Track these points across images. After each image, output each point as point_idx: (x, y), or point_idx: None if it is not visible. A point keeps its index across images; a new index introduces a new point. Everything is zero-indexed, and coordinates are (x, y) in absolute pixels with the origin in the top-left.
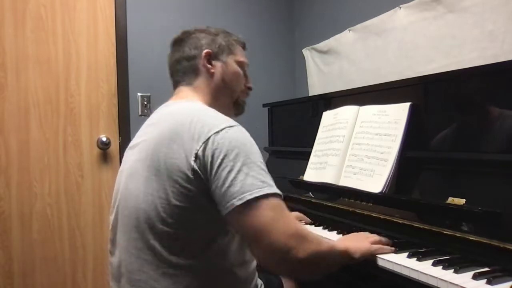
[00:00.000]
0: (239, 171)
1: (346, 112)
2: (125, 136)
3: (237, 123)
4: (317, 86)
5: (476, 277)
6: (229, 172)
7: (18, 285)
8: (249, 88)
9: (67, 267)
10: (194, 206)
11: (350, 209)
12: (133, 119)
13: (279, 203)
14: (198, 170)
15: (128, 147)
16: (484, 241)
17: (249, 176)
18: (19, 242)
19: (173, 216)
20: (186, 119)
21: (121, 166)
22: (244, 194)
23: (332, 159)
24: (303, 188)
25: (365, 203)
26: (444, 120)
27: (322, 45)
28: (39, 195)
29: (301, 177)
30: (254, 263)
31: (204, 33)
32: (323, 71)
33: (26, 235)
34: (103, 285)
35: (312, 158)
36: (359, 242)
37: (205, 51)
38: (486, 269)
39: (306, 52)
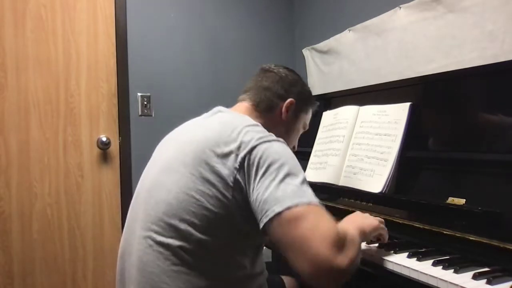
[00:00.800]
0: (282, 180)
1: (346, 112)
2: (125, 136)
3: (284, 140)
4: (317, 86)
5: (476, 277)
6: (272, 180)
7: (18, 285)
8: (293, 149)
9: (67, 267)
10: (225, 214)
11: (350, 209)
12: (133, 119)
13: (320, 210)
14: (240, 180)
15: (169, 137)
16: (484, 241)
17: (291, 185)
18: (19, 242)
19: (201, 219)
20: (235, 127)
21: (153, 157)
22: (285, 200)
23: (332, 159)
24: None
25: (365, 203)
26: (444, 120)
27: (322, 45)
28: (39, 195)
29: None
30: (265, 274)
31: (299, 83)
32: (323, 71)
33: (26, 235)
34: (103, 285)
35: (312, 158)
36: (367, 218)
37: (291, 99)
38: (486, 269)
39: (306, 52)
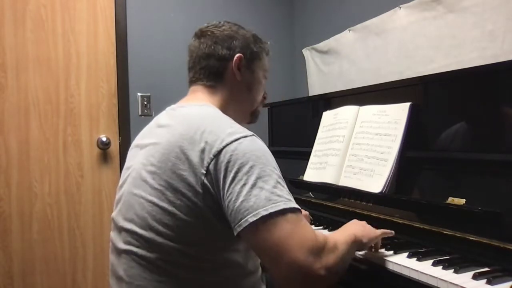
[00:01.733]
0: (253, 185)
1: (346, 112)
2: (125, 136)
3: (252, 133)
4: (317, 86)
5: (476, 277)
6: (243, 186)
7: (18, 285)
8: (265, 98)
9: (67, 267)
10: (200, 222)
11: (350, 209)
12: (133, 119)
13: (296, 217)
14: (208, 185)
15: (135, 144)
16: (484, 241)
17: (264, 190)
18: (19, 242)
19: (177, 231)
20: (198, 128)
21: (127, 163)
22: (259, 210)
23: (332, 159)
24: (303, 188)
25: (365, 203)
26: (444, 120)
27: (322, 45)
28: (39, 195)
29: (301, 177)
30: (259, 272)
31: (237, 33)
32: (323, 71)
33: (26, 235)
34: (103, 285)
35: (312, 158)
36: (364, 226)
37: (238, 55)
38: (486, 269)
39: (306, 52)
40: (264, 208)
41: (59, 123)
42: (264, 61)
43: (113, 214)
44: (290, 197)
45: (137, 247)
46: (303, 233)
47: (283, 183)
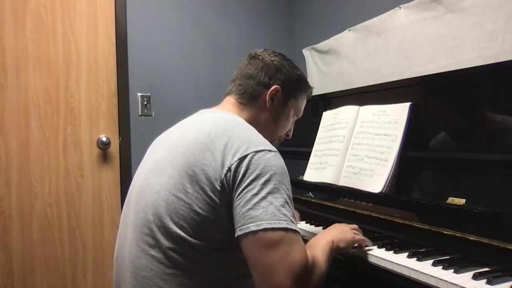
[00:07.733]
0: (264, 198)
1: (346, 112)
2: (125, 136)
3: (276, 150)
4: (317, 86)
5: (476, 277)
6: (255, 195)
7: (18, 285)
8: (287, 136)
9: (67, 267)
10: (214, 218)
11: (350, 209)
12: (133, 119)
13: (294, 237)
14: (226, 184)
15: (157, 140)
16: (484, 241)
17: (272, 205)
18: (19, 242)
19: (190, 222)
20: (226, 130)
21: (144, 159)
22: (262, 222)
23: (332, 159)
24: (303, 188)
25: (365, 203)
26: (444, 120)
27: (322, 45)
28: (39, 195)
29: (301, 177)
30: None
31: (285, 67)
32: (323, 71)
33: (26, 235)
34: (103, 285)
35: (312, 158)
36: (343, 233)
37: (275, 86)
38: (486, 269)
39: (306, 52)
40: (268, 222)
41: (59, 123)
42: (300, 102)
43: (126, 203)
44: (294, 220)
45: (148, 235)
46: (296, 257)
47: (291, 205)
